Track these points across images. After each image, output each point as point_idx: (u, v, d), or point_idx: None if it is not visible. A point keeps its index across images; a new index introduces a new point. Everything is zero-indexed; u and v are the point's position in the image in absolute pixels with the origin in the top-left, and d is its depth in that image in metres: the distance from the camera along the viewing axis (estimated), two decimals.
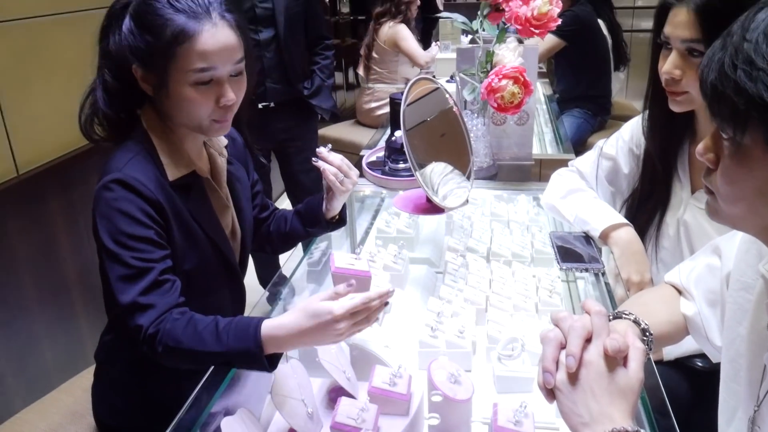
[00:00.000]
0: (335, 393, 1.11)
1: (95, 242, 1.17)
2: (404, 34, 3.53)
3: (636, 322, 0.89)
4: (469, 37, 3.19)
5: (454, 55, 3.02)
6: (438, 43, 3.52)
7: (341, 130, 3.72)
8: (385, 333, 1.26)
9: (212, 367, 1.10)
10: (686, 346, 1.24)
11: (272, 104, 2.37)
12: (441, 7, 5.67)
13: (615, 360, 0.72)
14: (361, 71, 3.79)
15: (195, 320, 1.01)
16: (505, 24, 1.64)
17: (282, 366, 1.02)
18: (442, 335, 1.24)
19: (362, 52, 3.76)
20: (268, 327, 0.96)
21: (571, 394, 0.71)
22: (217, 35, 1.06)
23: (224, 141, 1.29)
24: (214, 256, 1.20)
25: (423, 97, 1.57)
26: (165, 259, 1.07)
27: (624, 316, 0.90)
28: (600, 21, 3.60)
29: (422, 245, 1.71)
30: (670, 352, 1.26)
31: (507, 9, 1.58)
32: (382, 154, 1.83)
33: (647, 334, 0.88)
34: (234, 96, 1.10)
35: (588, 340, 0.73)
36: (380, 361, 1.17)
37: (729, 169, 0.69)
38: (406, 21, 3.54)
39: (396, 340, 1.27)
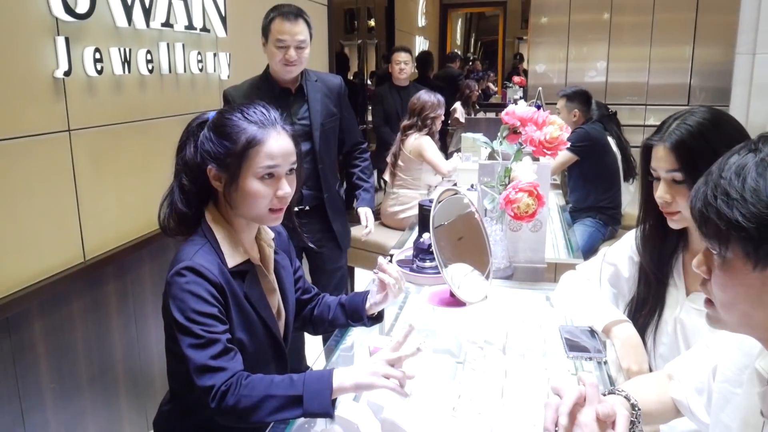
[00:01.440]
0: None
1: (164, 320, 1.38)
2: (428, 146, 3.83)
3: (626, 397, 1.04)
4: (489, 150, 3.49)
5: (474, 166, 3.30)
6: (460, 154, 3.81)
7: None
8: (413, 412, 1.42)
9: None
10: (680, 428, 1.38)
11: (307, 207, 2.63)
12: (462, 120, 6.07)
13: (605, 424, 0.88)
14: (387, 177, 4.07)
15: (268, 376, 1.23)
16: (521, 144, 1.89)
17: (328, 428, 1.19)
18: (462, 415, 1.39)
19: (389, 160, 4.05)
20: (337, 372, 1.23)
21: None
22: (280, 141, 1.33)
23: (272, 234, 1.52)
24: (263, 333, 1.40)
25: (446, 200, 1.81)
26: (227, 333, 1.27)
27: (617, 392, 1.06)
28: (609, 137, 3.90)
29: (444, 337, 1.88)
30: None
31: (523, 132, 1.84)
32: (410, 253, 2.04)
33: (635, 408, 1.03)
34: (290, 189, 1.36)
35: (582, 407, 0.90)
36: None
37: (720, 279, 0.85)
38: (430, 134, 3.86)
39: (422, 419, 1.43)
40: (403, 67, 4.98)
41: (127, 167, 2.36)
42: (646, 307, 1.51)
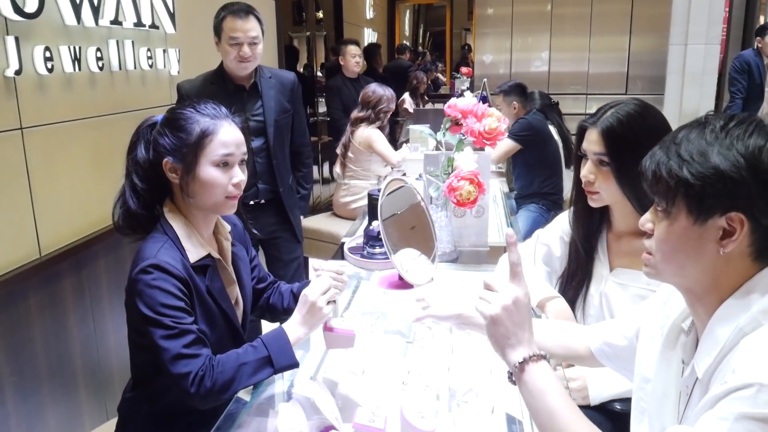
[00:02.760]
0: (325, 430, 1.36)
1: (128, 314, 1.45)
2: (377, 137, 3.93)
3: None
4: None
5: (422, 156, 3.41)
6: (408, 145, 3.92)
7: (319, 222, 4.05)
8: (365, 387, 1.53)
9: (223, 414, 1.35)
10: (608, 392, 1.52)
11: (263, 201, 2.70)
12: (411, 111, 6.19)
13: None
14: (337, 168, 4.16)
15: (231, 351, 1.34)
16: (463, 135, 2.01)
17: (286, 404, 1.29)
18: (411, 389, 1.51)
19: (339, 151, 4.14)
20: (287, 326, 1.38)
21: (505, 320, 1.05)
22: (231, 131, 1.43)
23: (228, 227, 1.59)
24: (223, 324, 1.48)
25: (396, 191, 1.92)
26: (195, 324, 1.35)
27: None
28: (551, 126, 4.07)
29: (394, 319, 1.99)
30: (595, 397, 1.54)
31: (464, 124, 1.95)
32: (361, 241, 2.15)
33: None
34: (243, 177, 1.45)
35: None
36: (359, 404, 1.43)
37: (662, 233, 0.99)
38: (381, 127, 3.96)
39: (374, 392, 1.54)
40: (358, 60, 5.11)
41: (81, 163, 2.39)
42: (574, 281, 1.66)
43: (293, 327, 1.39)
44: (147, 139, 1.45)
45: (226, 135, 1.41)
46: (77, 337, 2.37)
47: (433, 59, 11.96)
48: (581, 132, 1.56)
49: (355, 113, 4.06)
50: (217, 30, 2.50)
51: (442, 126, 2.05)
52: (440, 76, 11.14)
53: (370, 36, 8.75)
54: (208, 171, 1.40)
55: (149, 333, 1.31)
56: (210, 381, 1.28)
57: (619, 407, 1.51)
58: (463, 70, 8.82)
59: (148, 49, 2.76)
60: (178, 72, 3.01)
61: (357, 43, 5.24)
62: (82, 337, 2.39)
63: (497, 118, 1.93)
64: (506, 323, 1.06)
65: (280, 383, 1.52)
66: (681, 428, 0.89)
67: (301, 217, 2.94)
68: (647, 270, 1.05)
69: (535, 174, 3.96)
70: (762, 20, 5.85)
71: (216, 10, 2.56)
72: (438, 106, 6.15)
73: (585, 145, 1.53)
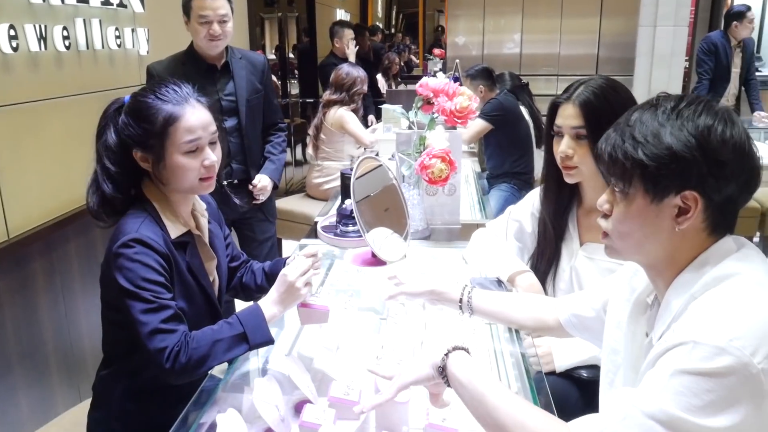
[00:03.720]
0: (301, 404, 1.38)
1: (103, 290, 1.44)
2: (349, 118, 3.93)
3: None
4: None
5: (394, 137, 3.42)
6: (379, 124, 3.91)
7: (293, 203, 4.04)
8: (340, 362, 1.55)
9: (199, 389, 1.36)
10: (573, 359, 1.56)
11: (236, 181, 2.69)
12: (383, 91, 6.18)
13: None
14: (310, 150, 4.15)
15: (206, 328, 1.34)
16: (434, 114, 2.02)
17: (261, 379, 1.30)
18: (384, 363, 1.53)
19: (311, 132, 4.13)
20: (262, 303, 1.38)
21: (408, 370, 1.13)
22: (196, 114, 1.41)
23: (204, 205, 1.59)
24: (202, 300, 1.49)
25: (369, 173, 1.92)
26: (174, 300, 1.35)
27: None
28: (522, 107, 4.11)
29: (368, 296, 2.01)
30: (561, 365, 1.58)
31: (436, 103, 1.97)
32: (334, 219, 2.16)
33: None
34: (215, 157, 1.44)
35: None
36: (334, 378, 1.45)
37: (621, 212, 1.02)
38: (356, 109, 3.96)
39: (348, 367, 1.56)
40: (353, 43, 5.22)
41: (48, 144, 2.35)
42: (545, 257, 1.69)
43: (269, 305, 1.40)
44: (115, 124, 1.43)
45: (191, 119, 1.39)
46: (48, 319, 2.35)
47: (406, 41, 11.93)
48: (553, 109, 1.58)
49: (327, 95, 4.04)
50: (186, 9, 2.47)
51: (414, 105, 2.06)
52: (413, 57, 11.12)
53: (342, 17, 8.68)
54: (177, 159, 1.39)
55: (127, 307, 1.31)
56: (185, 356, 1.28)
57: (585, 375, 1.56)
58: (436, 51, 8.83)
59: (116, 29, 2.71)
60: (147, 52, 2.97)
61: (350, 26, 5.35)
62: (54, 319, 2.37)
63: (468, 97, 1.95)
64: (410, 369, 1.14)
65: (254, 360, 1.53)
66: (626, 389, 0.93)
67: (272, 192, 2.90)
68: (607, 250, 1.08)
69: (506, 154, 3.99)
70: (729, 3, 5.94)
71: None
72: (411, 87, 6.15)
73: (560, 121, 1.56)
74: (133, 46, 2.88)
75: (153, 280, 1.32)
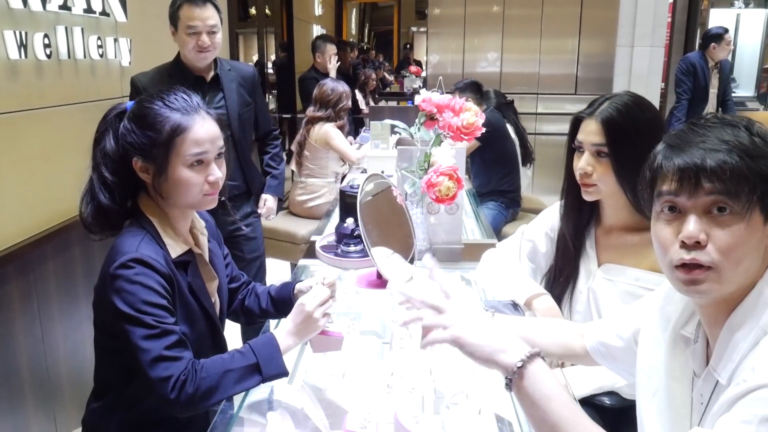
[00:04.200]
0: None
1: (96, 314, 1.33)
2: (334, 134, 3.85)
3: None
4: (396, 137, 3.56)
5: (384, 153, 3.36)
6: (366, 140, 3.85)
7: (276, 221, 3.90)
8: (350, 392, 1.46)
9: (211, 426, 1.26)
10: (593, 386, 1.50)
11: (225, 198, 2.59)
12: (365, 108, 6.14)
13: None
14: (293, 167, 4.05)
15: (216, 357, 1.24)
16: (438, 130, 1.96)
17: (273, 414, 1.21)
18: (396, 392, 1.45)
19: (294, 149, 4.04)
20: (278, 333, 1.29)
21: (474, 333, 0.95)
22: (205, 126, 1.32)
23: (203, 222, 1.50)
24: (204, 323, 1.39)
25: (372, 191, 1.85)
26: (177, 324, 1.25)
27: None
28: (507, 125, 4.09)
29: (369, 319, 1.93)
30: (579, 393, 1.52)
31: (440, 118, 1.90)
32: (332, 239, 2.07)
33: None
34: (220, 173, 1.35)
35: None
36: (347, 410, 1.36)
37: (735, 237, 0.89)
38: (341, 125, 3.88)
39: (360, 397, 1.47)
40: (336, 59, 5.19)
41: (27, 158, 2.22)
42: (562, 277, 1.63)
43: (284, 335, 1.31)
44: (115, 130, 1.33)
45: (200, 131, 1.30)
46: (24, 344, 2.20)
47: (379, 58, 11.94)
48: (576, 124, 1.53)
49: (311, 111, 3.96)
50: (173, 19, 2.38)
51: (416, 121, 1.99)
52: (386, 75, 11.12)
53: (318, 33, 8.65)
54: (181, 172, 1.30)
55: (126, 333, 1.20)
56: (192, 387, 1.18)
57: (608, 402, 1.49)
58: (412, 68, 8.83)
59: (99, 38, 2.60)
60: (130, 63, 2.85)
61: (334, 41, 5.30)
62: (30, 344, 2.23)
63: (475, 113, 1.89)
64: (476, 333, 0.95)
65: (259, 391, 1.43)
66: (701, 430, 0.86)
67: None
68: (706, 287, 0.91)
69: (493, 171, 3.96)
70: (709, 24, 6.06)
71: None
72: (391, 103, 6.12)
73: (581, 137, 1.50)
74: (115, 57, 2.77)
75: (155, 303, 1.22)
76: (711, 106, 5.17)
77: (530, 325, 1.37)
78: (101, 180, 1.32)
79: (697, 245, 0.89)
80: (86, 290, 2.49)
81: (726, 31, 5.04)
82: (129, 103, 1.36)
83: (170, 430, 1.33)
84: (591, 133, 1.48)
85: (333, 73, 5.14)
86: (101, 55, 2.63)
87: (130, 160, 1.31)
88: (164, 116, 1.29)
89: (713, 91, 5.17)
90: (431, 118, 1.96)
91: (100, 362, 1.39)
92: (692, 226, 0.89)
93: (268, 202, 2.76)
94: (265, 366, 1.24)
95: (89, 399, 1.43)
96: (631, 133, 1.44)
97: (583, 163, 1.49)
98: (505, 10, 5.83)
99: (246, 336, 2.74)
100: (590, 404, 1.51)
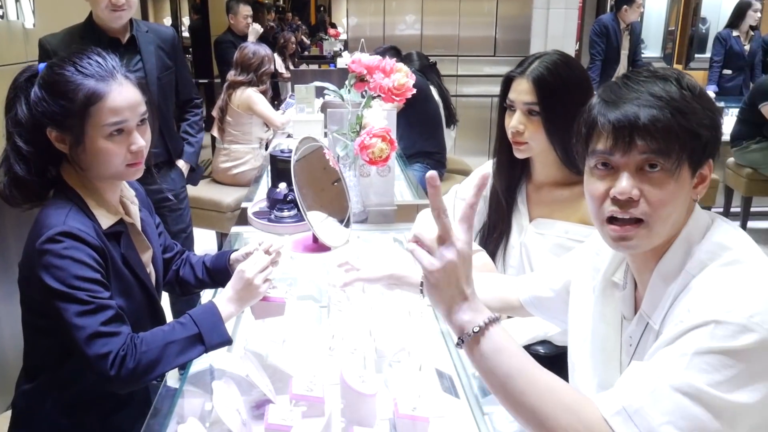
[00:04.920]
0: (260, 404, 1.28)
1: (24, 293, 1.26)
2: (257, 99, 3.76)
3: None
4: (321, 101, 3.51)
5: (309, 117, 3.31)
6: (293, 105, 3.77)
7: (199, 189, 3.79)
8: (291, 356, 1.45)
9: (153, 404, 1.23)
10: (527, 336, 1.56)
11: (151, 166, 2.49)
12: (285, 72, 6.01)
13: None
14: (215, 133, 3.93)
15: (156, 329, 1.20)
16: (369, 92, 1.94)
17: (218, 383, 1.19)
18: (338, 354, 1.46)
19: (215, 114, 3.91)
20: (218, 302, 1.25)
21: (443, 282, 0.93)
22: (123, 93, 1.23)
23: (133, 191, 1.43)
24: (140, 295, 1.34)
25: (303, 154, 1.82)
26: (112, 298, 1.20)
27: None
28: (431, 87, 4.11)
29: (305, 284, 1.92)
30: (517, 341, 1.58)
31: (371, 80, 1.89)
32: (264, 205, 2.03)
33: None
34: (143, 141, 1.27)
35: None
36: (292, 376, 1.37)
37: (665, 194, 0.92)
38: (264, 90, 3.79)
39: (303, 361, 1.47)
40: (249, 21, 4.98)
41: None
42: (495, 233, 1.67)
43: (225, 303, 1.28)
44: (27, 96, 1.23)
45: (117, 98, 1.21)
46: None
47: (296, 20, 11.67)
48: (507, 83, 1.55)
49: (233, 76, 3.84)
50: None
51: (346, 82, 1.97)
52: (304, 38, 10.89)
53: None
54: (99, 143, 1.21)
55: (59, 310, 1.14)
56: (133, 361, 1.14)
57: (542, 351, 1.55)
58: (332, 31, 8.70)
59: None
60: (34, 24, 2.67)
61: (247, 2, 5.07)
62: None
63: (405, 74, 1.88)
64: (450, 279, 0.93)
65: (200, 362, 1.40)
66: (640, 364, 0.91)
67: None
68: (635, 242, 0.95)
69: (417, 133, 3.97)
70: None
71: None
72: (312, 67, 6.02)
73: (513, 96, 1.53)
74: (18, 18, 2.58)
75: (88, 277, 1.16)
76: (622, 66, 5.37)
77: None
78: (15, 150, 1.23)
79: (629, 201, 0.92)
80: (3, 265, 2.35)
81: None
82: (41, 65, 1.26)
83: (109, 407, 1.29)
84: (522, 92, 1.51)
85: (252, 37, 4.99)
86: (2, 17, 2.44)
87: (44, 129, 1.22)
88: (77, 83, 1.19)
89: (624, 53, 5.37)
90: (361, 79, 1.95)
91: (30, 342, 1.32)
92: (625, 182, 0.92)
93: (184, 169, 2.66)
94: (208, 335, 1.22)
95: (18, 381, 1.36)
96: (560, 91, 1.48)
97: (515, 121, 1.52)
98: None
99: (175, 307, 2.67)
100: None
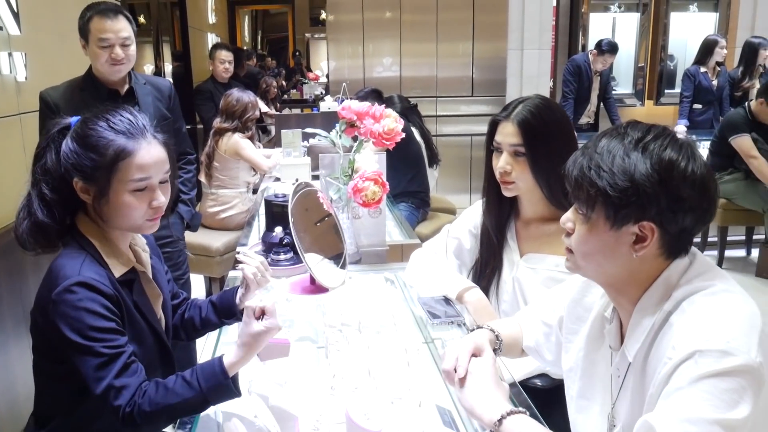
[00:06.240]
0: None
1: (35, 339, 1.29)
2: (244, 144, 3.82)
3: (491, 330, 1.27)
4: (308, 145, 3.59)
5: (296, 161, 3.38)
6: (280, 150, 3.83)
7: (187, 234, 3.84)
8: (294, 397, 1.48)
9: None
10: (527, 369, 1.61)
11: None
12: (271, 110, 6.11)
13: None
14: (203, 178, 3.98)
15: (162, 382, 1.21)
16: (359, 137, 2.02)
17: (229, 424, 1.22)
18: (339, 393, 1.49)
19: (203, 160, 3.96)
20: (227, 360, 1.24)
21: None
22: (151, 151, 1.30)
23: (144, 239, 1.48)
24: (152, 341, 1.37)
25: (299, 198, 1.88)
26: (128, 345, 1.23)
27: (484, 327, 1.27)
28: (413, 128, 4.21)
29: (302, 325, 1.96)
30: (514, 376, 1.62)
31: (361, 125, 1.97)
32: (259, 248, 2.08)
33: (498, 338, 1.27)
34: (164, 198, 1.33)
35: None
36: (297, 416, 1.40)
37: (583, 234, 1.06)
38: (251, 136, 3.85)
39: (306, 401, 1.50)
40: (227, 66, 5.05)
41: None
42: (488, 269, 1.74)
43: (231, 357, 1.27)
44: (57, 146, 1.30)
45: (145, 156, 1.28)
46: None
47: (277, 66, 11.85)
48: (493, 126, 1.64)
49: (218, 123, 3.91)
50: (83, 32, 2.29)
51: (337, 128, 2.04)
52: (284, 82, 11.05)
53: (213, 41, 8.48)
54: (123, 197, 1.27)
55: (76, 361, 1.18)
56: (140, 418, 1.18)
57: (540, 384, 1.60)
58: (311, 75, 8.84)
59: None
60: (26, 78, 2.72)
61: (227, 48, 5.17)
62: None
63: (394, 119, 1.97)
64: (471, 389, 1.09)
65: None
66: (648, 416, 0.96)
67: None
68: (568, 265, 1.13)
69: (401, 174, 4.05)
70: (590, 27, 6.51)
71: (65, 9, 2.35)
72: (295, 111, 6.11)
73: (499, 138, 1.61)
74: (10, 72, 2.63)
75: (103, 327, 1.20)
76: (592, 104, 5.59)
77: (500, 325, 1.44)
78: (40, 196, 1.29)
79: (568, 234, 1.10)
80: (13, 311, 2.36)
81: (612, 50, 5.45)
82: (74, 119, 1.32)
83: None
84: (508, 134, 1.59)
85: (223, 79, 5.09)
86: None
87: (71, 179, 1.28)
88: (108, 138, 1.26)
89: (594, 93, 5.59)
90: (351, 125, 2.02)
91: (41, 389, 1.34)
92: (565, 216, 1.11)
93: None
94: (213, 397, 1.23)
95: (27, 429, 1.38)
96: (543, 132, 1.57)
97: (502, 162, 1.60)
98: (402, 15, 5.98)
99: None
100: (524, 386, 1.61)
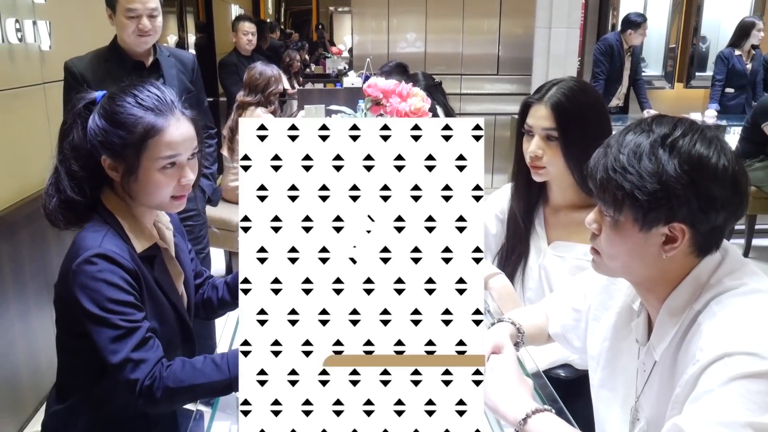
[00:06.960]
0: None
1: (58, 311, 1.29)
2: (266, 118, 3.80)
3: (513, 323, 1.23)
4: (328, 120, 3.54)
5: None
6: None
7: (208, 209, 3.84)
8: None
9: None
10: (548, 359, 1.58)
11: None
12: (291, 89, 6.06)
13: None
14: (224, 151, 3.96)
15: (189, 361, 1.19)
16: (383, 116, 1.97)
17: None
18: None
19: (225, 134, 3.94)
20: None
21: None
22: (180, 128, 1.27)
23: (167, 217, 1.46)
24: (173, 318, 1.36)
25: None
26: (145, 320, 1.22)
27: (505, 320, 1.24)
28: (437, 106, 4.14)
29: None
30: (538, 366, 1.60)
31: (387, 104, 1.92)
32: None
33: (520, 331, 1.23)
34: (193, 176, 1.31)
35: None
36: None
37: (610, 236, 1.02)
38: (273, 110, 3.82)
39: None
40: (251, 38, 5.01)
41: None
42: (513, 255, 1.70)
43: None
44: (84, 122, 1.28)
45: (174, 133, 1.25)
46: None
47: (301, 40, 11.77)
48: (525, 108, 1.59)
49: (242, 96, 3.88)
50: (111, 2, 2.27)
51: (363, 106, 2.00)
52: (307, 56, 10.98)
53: (236, 12, 8.43)
54: (152, 174, 1.25)
55: (92, 332, 1.17)
56: (159, 392, 1.16)
57: (563, 374, 1.57)
58: (334, 49, 8.76)
59: (16, 20, 2.45)
60: (50, 47, 2.71)
61: (250, 20, 5.12)
62: None
63: (422, 98, 1.91)
64: (492, 381, 1.03)
65: None
66: (677, 419, 0.93)
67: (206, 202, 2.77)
68: (596, 267, 1.09)
69: None
70: (620, 7, 6.34)
71: None
72: (318, 86, 6.07)
73: (531, 121, 1.56)
74: (35, 41, 2.62)
75: (121, 300, 1.19)
76: (623, 86, 5.44)
77: (523, 314, 1.40)
78: (69, 173, 1.27)
79: (594, 235, 1.07)
80: (36, 281, 2.38)
81: (645, 19, 5.28)
82: (99, 94, 1.30)
83: (140, 427, 1.30)
84: (541, 117, 1.54)
85: (246, 51, 5.06)
86: (20, 39, 2.48)
87: (98, 156, 1.26)
88: (136, 116, 1.24)
89: (626, 73, 5.43)
90: (377, 103, 1.98)
91: (63, 362, 1.34)
92: (590, 218, 1.07)
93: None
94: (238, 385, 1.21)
95: (49, 401, 1.38)
96: (577, 116, 1.51)
97: (533, 146, 1.55)
98: None
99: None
100: (547, 377, 1.58)
